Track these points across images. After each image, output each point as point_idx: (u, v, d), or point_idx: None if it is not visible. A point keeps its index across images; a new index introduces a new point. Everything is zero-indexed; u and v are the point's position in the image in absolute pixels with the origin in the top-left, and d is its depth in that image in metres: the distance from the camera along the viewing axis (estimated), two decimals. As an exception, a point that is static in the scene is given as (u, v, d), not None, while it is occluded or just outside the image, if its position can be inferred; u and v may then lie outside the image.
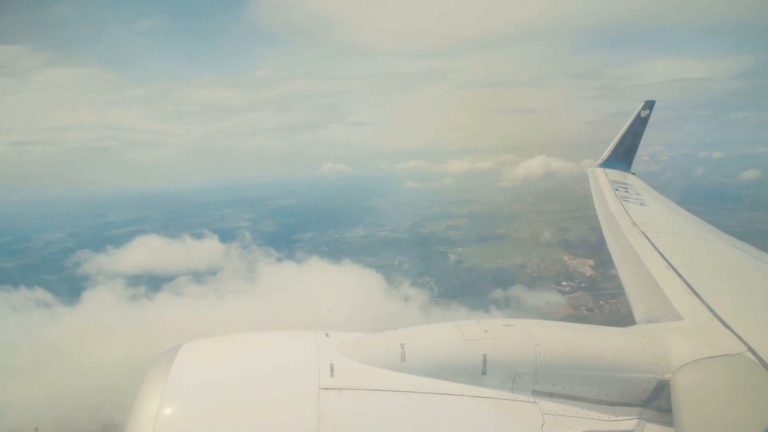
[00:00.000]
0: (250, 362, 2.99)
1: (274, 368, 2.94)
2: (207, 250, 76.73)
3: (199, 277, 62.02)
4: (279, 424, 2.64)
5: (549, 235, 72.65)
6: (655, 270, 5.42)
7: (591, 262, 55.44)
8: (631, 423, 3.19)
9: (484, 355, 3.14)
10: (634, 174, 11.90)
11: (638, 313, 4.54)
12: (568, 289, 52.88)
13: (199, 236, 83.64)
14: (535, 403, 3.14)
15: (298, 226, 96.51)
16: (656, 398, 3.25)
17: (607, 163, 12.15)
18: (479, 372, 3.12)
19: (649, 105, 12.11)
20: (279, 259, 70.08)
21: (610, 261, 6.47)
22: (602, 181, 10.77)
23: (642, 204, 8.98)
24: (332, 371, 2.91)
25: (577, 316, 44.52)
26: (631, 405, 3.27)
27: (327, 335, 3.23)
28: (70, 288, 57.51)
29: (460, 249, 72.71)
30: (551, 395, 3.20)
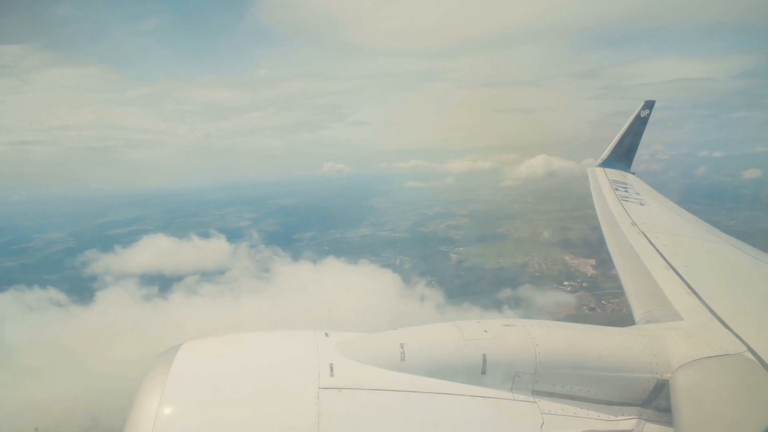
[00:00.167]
0: (249, 362, 2.99)
1: (273, 368, 2.94)
2: (212, 249, 77.23)
3: (207, 276, 62.26)
4: (278, 423, 2.64)
5: (550, 235, 72.73)
6: (655, 270, 5.42)
7: (592, 261, 55.40)
8: (630, 423, 3.20)
9: (484, 355, 3.14)
10: (633, 174, 11.90)
11: (638, 313, 4.54)
12: (569, 288, 52.88)
13: (204, 236, 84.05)
14: (535, 402, 3.14)
15: (298, 225, 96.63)
16: (656, 398, 3.25)
17: (607, 163, 12.14)
18: (479, 372, 3.12)
19: (649, 105, 12.10)
20: (282, 259, 70.30)
21: (612, 260, 6.46)
22: (602, 181, 10.77)
23: (642, 204, 8.97)
24: (332, 371, 2.91)
25: (579, 315, 44.49)
26: (630, 405, 3.28)
27: (327, 335, 3.24)
28: (73, 287, 57.68)
29: (461, 248, 72.74)
30: (551, 395, 3.20)
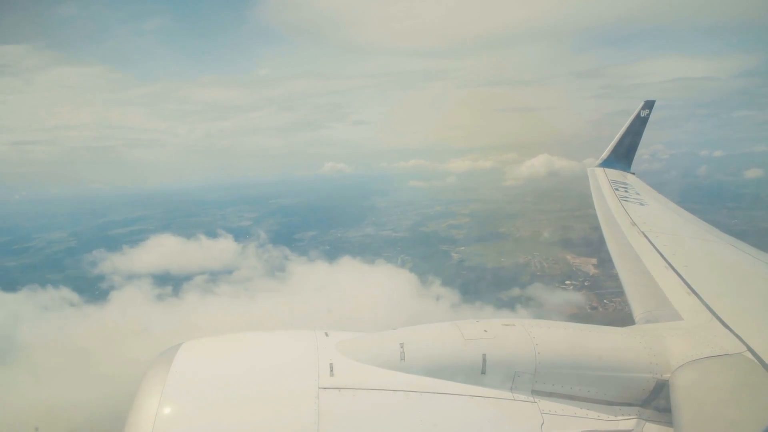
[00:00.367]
0: (249, 361, 3.00)
1: (273, 367, 2.95)
2: (218, 249, 77.15)
3: (216, 276, 62.11)
4: (278, 423, 2.65)
5: (551, 234, 72.57)
6: (655, 270, 5.42)
7: (594, 260, 55.28)
8: (630, 423, 3.20)
9: (484, 355, 3.14)
10: (633, 174, 11.89)
11: (638, 312, 4.54)
12: (571, 287, 52.84)
13: (209, 235, 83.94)
14: (535, 402, 3.14)
15: (299, 225, 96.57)
16: (655, 398, 3.25)
17: (607, 163, 12.13)
18: (479, 371, 3.13)
19: (649, 105, 12.09)
20: (288, 258, 70.31)
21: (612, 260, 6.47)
22: (602, 181, 10.77)
23: (642, 204, 8.97)
24: (332, 370, 2.91)
25: (581, 314, 44.41)
26: (630, 405, 3.28)
27: (326, 335, 3.24)
28: (77, 287, 57.52)
29: (462, 248, 72.64)
30: (550, 395, 3.20)
